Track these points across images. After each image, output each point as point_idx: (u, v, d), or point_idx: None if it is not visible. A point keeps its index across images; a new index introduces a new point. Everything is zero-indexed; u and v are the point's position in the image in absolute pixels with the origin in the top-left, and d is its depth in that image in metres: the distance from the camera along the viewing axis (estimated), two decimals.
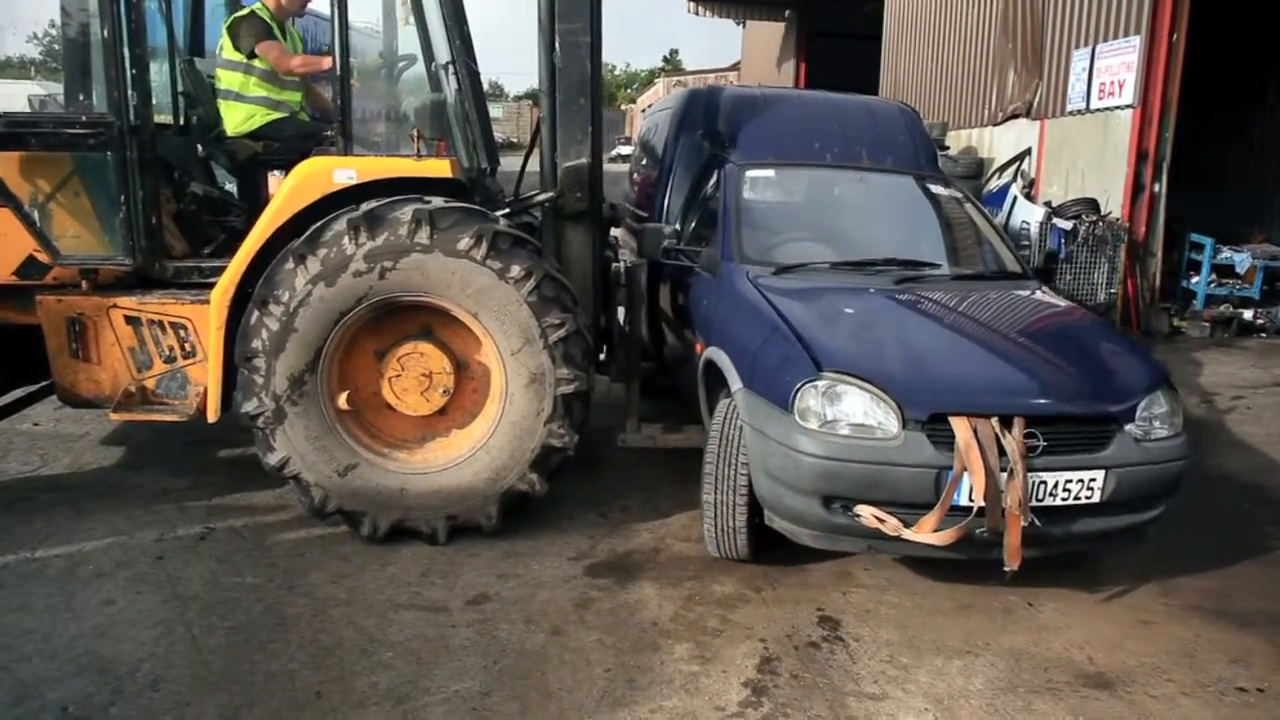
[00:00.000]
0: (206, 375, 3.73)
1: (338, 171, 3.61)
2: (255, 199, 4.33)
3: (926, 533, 3.02)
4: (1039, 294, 4.17)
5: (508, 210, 4.07)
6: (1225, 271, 8.71)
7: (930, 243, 4.66)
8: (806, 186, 4.89)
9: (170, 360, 3.82)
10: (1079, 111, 8.86)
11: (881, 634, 3.07)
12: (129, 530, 3.80)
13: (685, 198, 5.05)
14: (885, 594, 3.33)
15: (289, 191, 3.63)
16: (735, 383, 3.48)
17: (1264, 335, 8.26)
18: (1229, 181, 10.87)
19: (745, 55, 24.33)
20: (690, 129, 5.25)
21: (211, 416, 3.73)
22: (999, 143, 10.19)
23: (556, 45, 3.82)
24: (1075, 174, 8.85)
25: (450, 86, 4.16)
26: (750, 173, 4.64)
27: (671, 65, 43.09)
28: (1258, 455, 4.45)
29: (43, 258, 3.75)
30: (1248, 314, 8.43)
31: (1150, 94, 7.96)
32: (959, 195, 4.87)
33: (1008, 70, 10.04)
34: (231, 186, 4.67)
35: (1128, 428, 3.24)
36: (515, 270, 3.44)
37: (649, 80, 33.08)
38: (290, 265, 3.43)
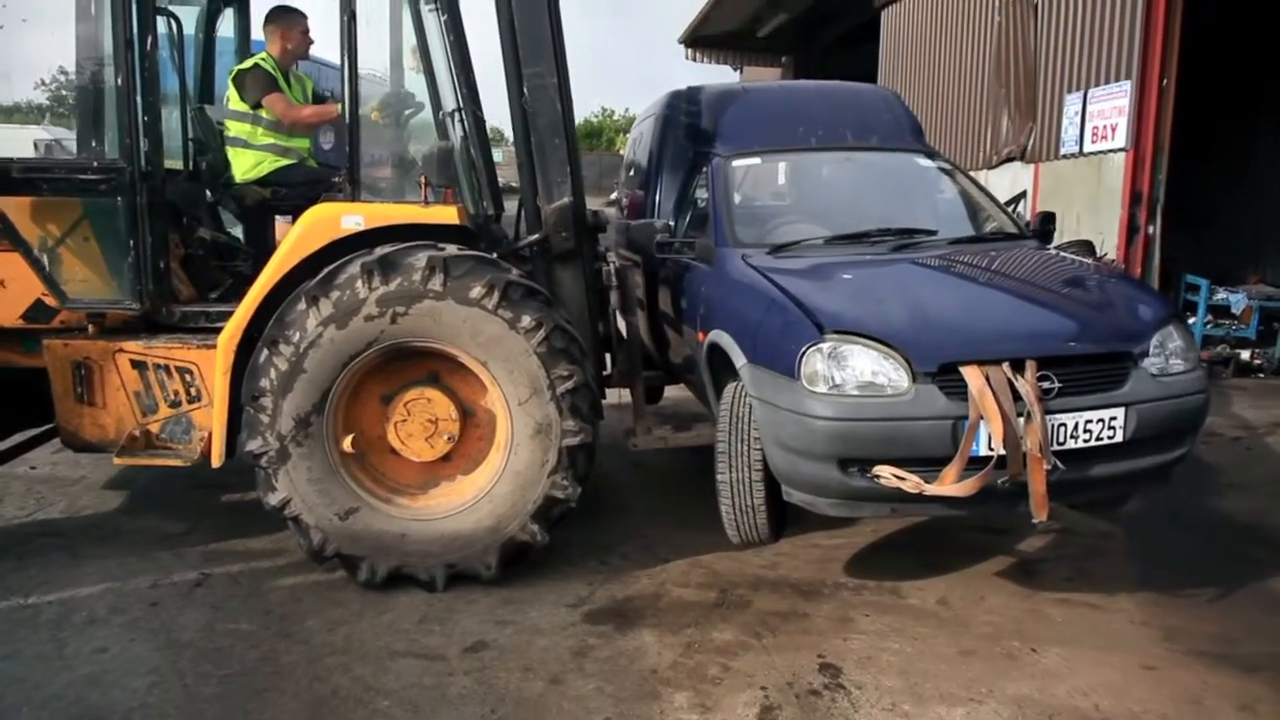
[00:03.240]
0: (211, 420, 3.72)
1: (345, 217, 3.64)
2: (262, 244, 4.37)
3: (948, 485, 2.99)
4: (1037, 249, 4.21)
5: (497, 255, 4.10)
6: (1221, 312, 8.74)
7: (923, 212, 4.70)
8: (794, 170, 4.96)
9: (175, 405, 3.82)
10: (1073, 155, 8.95)
11: (884, 681, 3.03)
12: (124, 576, 3.77)
13: (675, 198, 5.07)
14: (886, 640, 3.29)
15: (297, 237, 3.66)
16: (740, 359, 3.49)
17: (1261, 375, 8.26)
18: (1224, 223, 10.94)
19: None
20: (674, 130, 5.28)
21: (215, 461, 3.72)
22: (994, 186, 10.26)
23: (524, 90, 3.87)
24: (1070, 216, 8.91)
25: (456, 133, 4.21)
26: (736, 163, 4.67)
27: None
28: (1259, 497, 4.43)
29: (50, 302, 3.76)
30: (1245, 354, 8.44)
31: (1142, 137, 8.05)
32: (946, 166, 4.91)
33: (1002, 114, 10.16)
34: (237, 231, 4.71)
35: (1143, 364, 3.26)
36: (526, 320, 3.46)
37: None
38: (303, 306, 3.44)
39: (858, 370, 3.14)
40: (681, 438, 4.18)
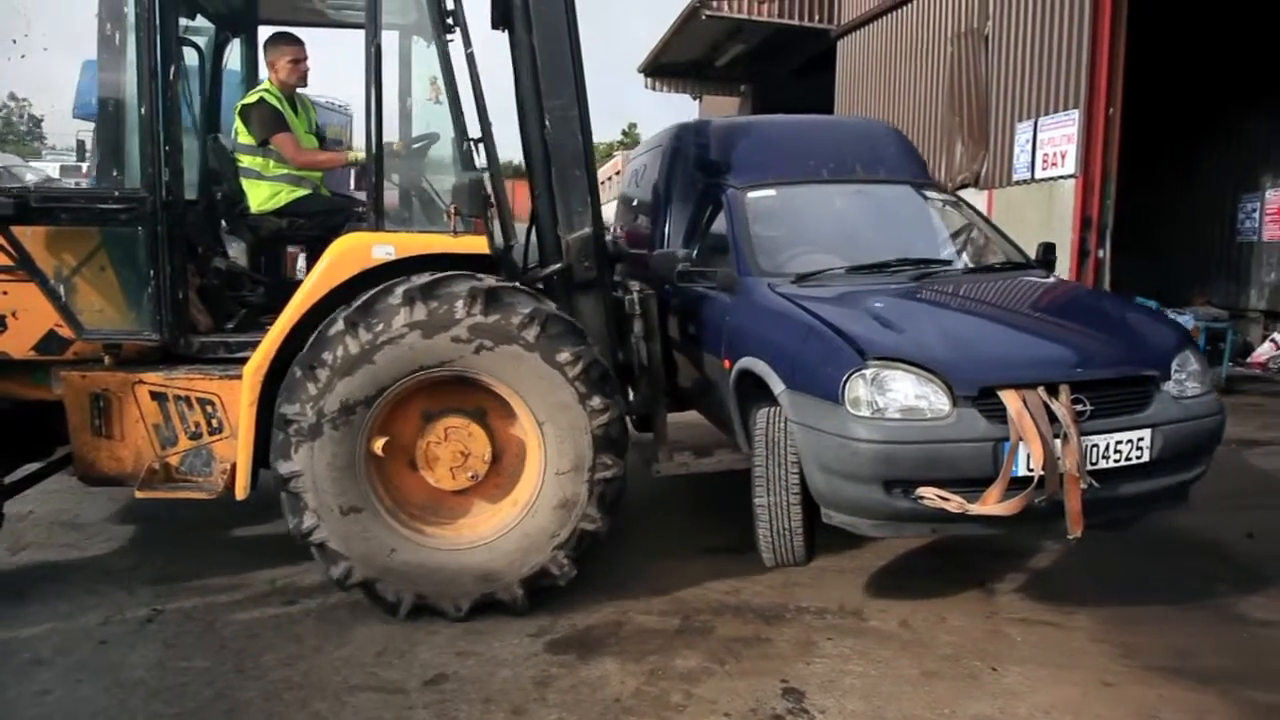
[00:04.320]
0: (233, 451, 3.68)
1: (377, 247, 3.63)
2: (277, 274, 4.39)
3: (992, 505, 3.10)
4: (1050, 278, 4.40)
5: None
6: None
7: (937, 243, 4.87)
8: (808, 202, 5.01)
9: (196, 436, 3.77)
10: (1024, 181, 9.15)
11: (847, 705, 3.03)
12: (71, 614, 3.67)
13: (686, 230, 5.12)
14: (849, 663, 3.30)
15: (327, 266, 3.64)
16: (778, 386, 3.56)
17: None
18: (1172, 246, 11.24)
19: None
20: (683, 162, 5.35)
21: (240, 494, 3.66)
22: None
23: (547, 121, 3.89)
24: (1023, 241, 9.07)
25: (479, 164, 4.22)
26: (752, 194, 4.75)
27: (630, 138, 43.96)
28: (1212, 512, 4.52)
29: (64, 333, 3.70)
30: None
31: (1091, 164, 8.26)
32: (953, 199, 5.12)
33: (955, 142, 10.37)
34: (240, 260, 4.72)
35: (1165, 387, 3.42)
36: (564, 355, 3.47)
37: (608, 153, 33.70)
38: (340, 328, 3.42)
39: (900, 394, 3.23)
40: (704, 464, 4.21)
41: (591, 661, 3.32)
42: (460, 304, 3.41)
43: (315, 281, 3.64)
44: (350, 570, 3.53)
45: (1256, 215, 10.43)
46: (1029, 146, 9.02)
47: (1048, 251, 4.69)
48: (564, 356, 3.47)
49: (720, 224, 4.74)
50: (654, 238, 5.38)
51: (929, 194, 5.20)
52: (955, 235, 4.98)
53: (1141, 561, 4.28)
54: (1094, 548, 4.41)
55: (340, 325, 3.42)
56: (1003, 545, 4.41)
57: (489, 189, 4.10)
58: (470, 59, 3.83)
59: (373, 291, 3.46)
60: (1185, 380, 3.49)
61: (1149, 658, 3.32)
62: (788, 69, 16.21)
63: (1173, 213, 11.26)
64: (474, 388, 3.58)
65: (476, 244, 3.72)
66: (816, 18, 13.58)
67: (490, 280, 3.53)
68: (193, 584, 3.96)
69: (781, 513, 3.54)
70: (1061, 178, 8.57)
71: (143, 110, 3.59)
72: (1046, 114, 8.78)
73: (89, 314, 3.68)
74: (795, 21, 13.58)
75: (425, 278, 3.46)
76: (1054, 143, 8.66)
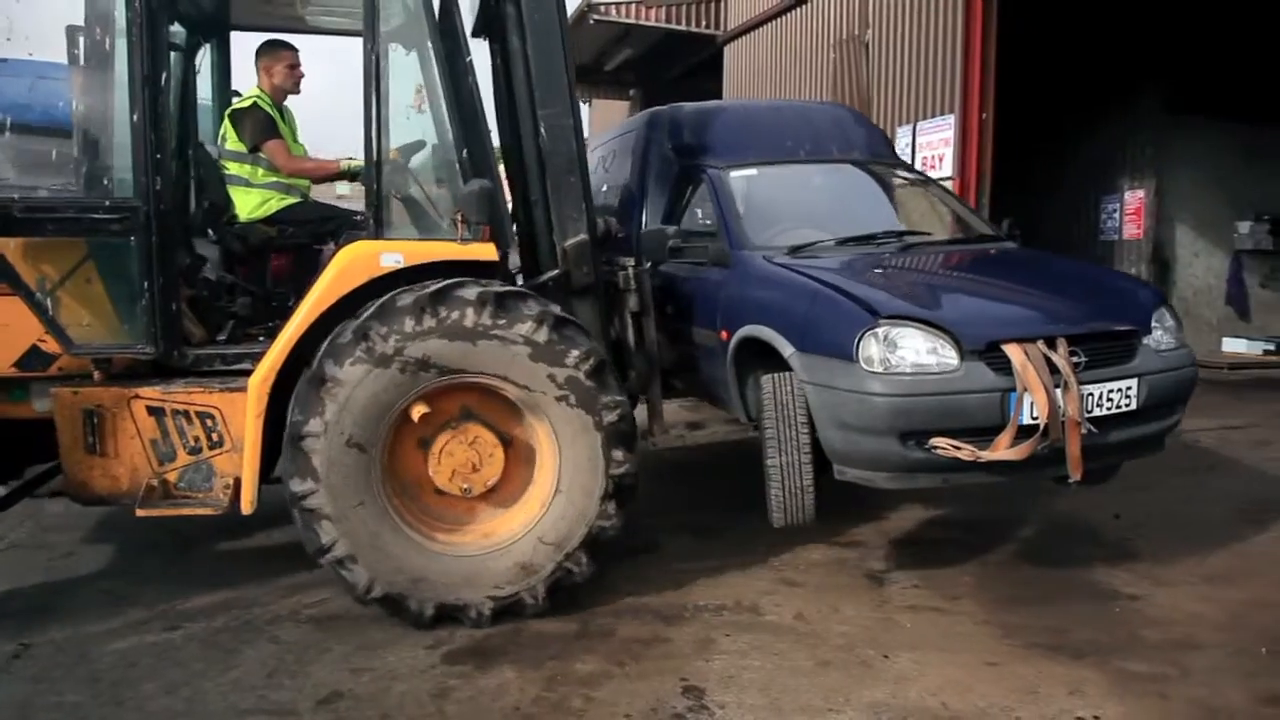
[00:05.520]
0: (234, 466, 3.60)
1: (385, 255, 3.61)
2: (264, 283, 4.30)
3: (1002, 451, 3.32)
4: (1024, 249, 4.70)
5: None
6: None
7: (914, 217, 5.18)
8: (789, 180, 5.19)
9: (195, 451, 3.65)
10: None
11: (745, 699, 3.07)
12: None
13: (664, 211, 5.23)
14: (747, 658, 3.35)
15: (336, 274, 3.59)
16: (787, 349, 3.73)
17: None
18: (1043, 244, 11.78)
19: (592, 132, 24.90)
20: (658, 146, 5.45)
21: (247, 508, 3.55)
22: None
23: (541, 130, 3.91)
24: None
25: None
26: (734, 173, 4.91)
27: None
28: (1089, 499, 4.75)
29: (47, 348, 3.55)
30: None
31: (966, 167, 8.60)
32: (922, 178, 5.45)
33: None
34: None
35: (1146, 340, 3.72)
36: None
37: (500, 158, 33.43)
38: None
39: (911, 351, 3.43)
40: (699, 436, 4.25)
41: (490, 671, 3.28)
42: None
43: (324, 290, 3.58)
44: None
45: (1117, 215, 11.05)
46: (909, 149, 9.34)
47: (1012, 227, 5.02)
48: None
49: (701, 203, 4.92)
50: (632, 220, 5.47)
51: (900, 173, 5.52)
52: (929, 210, 5.28)
53: (1022, 545, 4.48)
54: (978, 532, 4.60)
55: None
56: (894, 535, 4.56)
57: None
58: (469, 67, 3.86)
59: (380, 301, 3.44)
60: (1163, 335, 3.80)
61: (1029, 636, 3.48)
62: (676, 73, 16.38)
63: (1043, 213, 11.80)
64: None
65: (485, 251, 3.72)
66: (703, 23, 13.76)
67: (497, 284, 3.55)
68: (62, 614, 3.74)
69: (794, 472, 3.66)
70: (941, 179, 8.90)
71: (135, 117, 3.49)
72: (925, 118, 9.11)
73: (78, 328, 3.54)
74: (682, 27, 13.74)
75: (433, 285, 3.46)
76: (932, 146, 8.99)
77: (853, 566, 4.20)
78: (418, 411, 3.49)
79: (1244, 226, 11.13)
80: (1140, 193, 10.80)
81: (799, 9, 11.41)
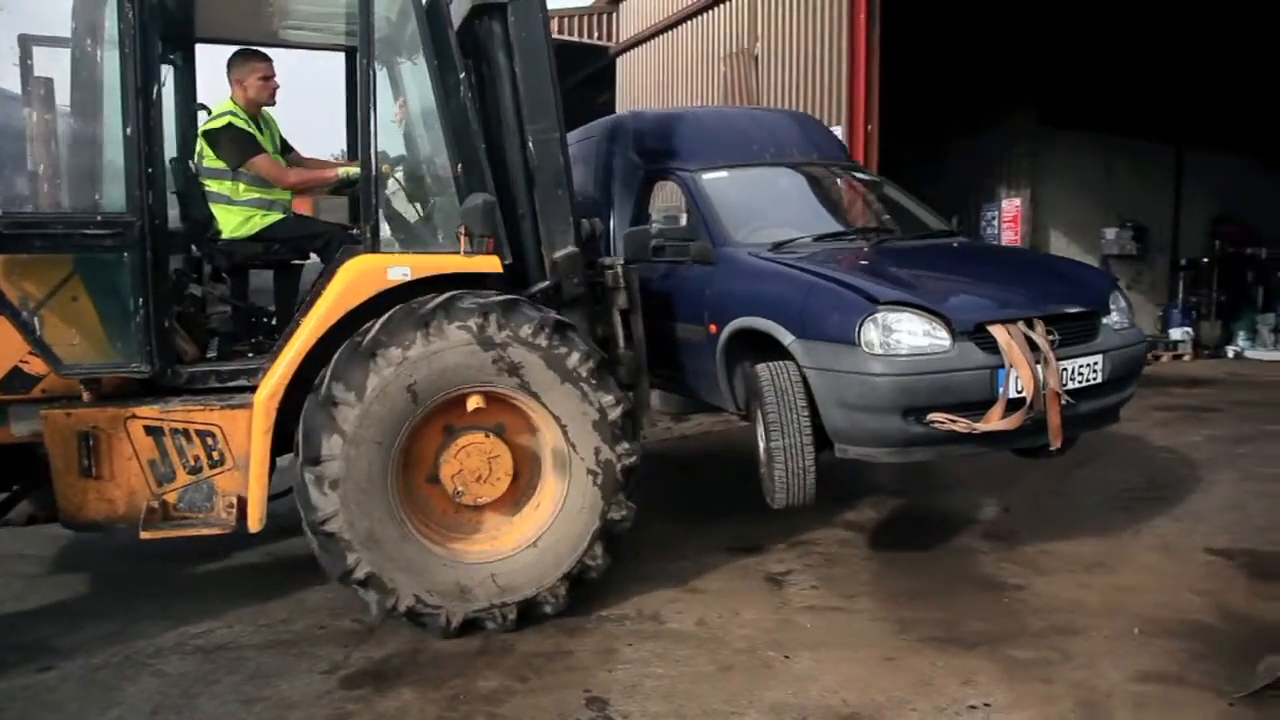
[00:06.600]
0: (235, 484, 3.55)
1: (392, 269, 3.63)
2: (247, 299, 4.24)
3: (995, 422, 3.63)
4: (979, 242, 5.16)
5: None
6: None
7: (877, 216, 5.52)
8: (757, 182, 5.33)
9: (195, 471, 3.54)
10: None
11: (649, 707, 3.07)
12: None
13: (632, 214, 5.29)
14: (650, 666, 3.35)
15: (342, 289, 3.58)
16: (786, 337, 3.91)
17: None
18: None
19: None
20: (624, 151, 5.50)
21: (254, 526, 3.52)
22: None
23: (530, 145, 3.91)
24: None
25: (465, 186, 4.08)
26: (706, 175, 5.03)
27: None
28: (972, 492, 4.93)
29: (30, 369, 3.39)
30: None
31: None
32: (878, 180, 5.72)
33: None
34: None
35: (1105, 320, 4.12)
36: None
37: None
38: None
39: (909, 332, 3.68)
40: (684, 428, 4.26)
41: (389, 693, 3.19)
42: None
43: (331, 305, 3.57)
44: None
45: (995, 222, 11.55)
46: None
47: (960, 223, 5.24)
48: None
49: (671, 205, 5.07)
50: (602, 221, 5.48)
51: (859, 175, 5.80)
52: (888, 209, 5.55)
53: (915, 543, 4.61)
54: (872, 532, 4.72)
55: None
56: (793, 538, 4.64)
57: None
58: (465, 82, 3.82)
59: (385, 317, 3.46)
60: (1119, 315, 4.20)
61: (923, 630, 3.58)
62: (570, 84, 16.40)
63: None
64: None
65: (489, 264, 3.75)
66: (596, 35, 13.84)
67: (496, 295, 3.59)
68: None
69: (796, 453, 3.79)
70: None
71: (128, 131, 3.40)
72: None
73: (67, 347, 3.41)
74: (576, 38, 13.79)
75: (437, 299, 3.49)
76: None
77: (753, 570, 4.25)
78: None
79: (1110, 233, 11.81)
80: (1017, 201, 11.31)
81: (690, 22, 11.58)
